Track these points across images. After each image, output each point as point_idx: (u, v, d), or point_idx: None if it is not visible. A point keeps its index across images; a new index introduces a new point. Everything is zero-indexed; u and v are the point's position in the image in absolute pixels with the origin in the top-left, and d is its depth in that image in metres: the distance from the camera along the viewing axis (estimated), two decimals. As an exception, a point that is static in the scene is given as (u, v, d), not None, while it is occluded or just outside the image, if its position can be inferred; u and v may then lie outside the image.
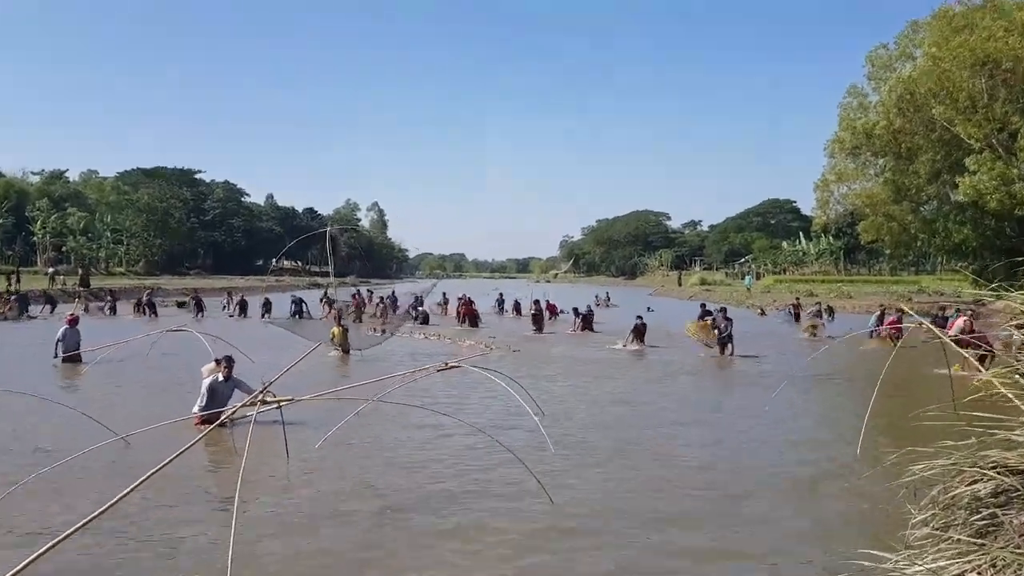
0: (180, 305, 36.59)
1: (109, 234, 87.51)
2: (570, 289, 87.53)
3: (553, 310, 32.85)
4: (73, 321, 16.81)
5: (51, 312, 31.42)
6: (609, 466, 8.38)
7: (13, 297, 31.07)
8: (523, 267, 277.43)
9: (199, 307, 33.27)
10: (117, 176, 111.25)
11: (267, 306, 32.52)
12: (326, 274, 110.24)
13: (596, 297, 47.28)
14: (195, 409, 10.10)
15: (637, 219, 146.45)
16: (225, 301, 36.21)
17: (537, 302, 28.91)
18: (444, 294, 35.39)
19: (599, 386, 14.51)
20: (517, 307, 36.01)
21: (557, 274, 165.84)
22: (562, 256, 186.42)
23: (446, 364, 8.28)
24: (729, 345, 18.89)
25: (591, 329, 26.67)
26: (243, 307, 33.71)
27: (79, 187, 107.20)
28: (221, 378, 10.24)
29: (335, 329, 18.64)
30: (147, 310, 32.11)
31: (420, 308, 29.92)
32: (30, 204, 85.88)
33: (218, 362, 10.51)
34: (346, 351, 18.30)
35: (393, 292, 34.40)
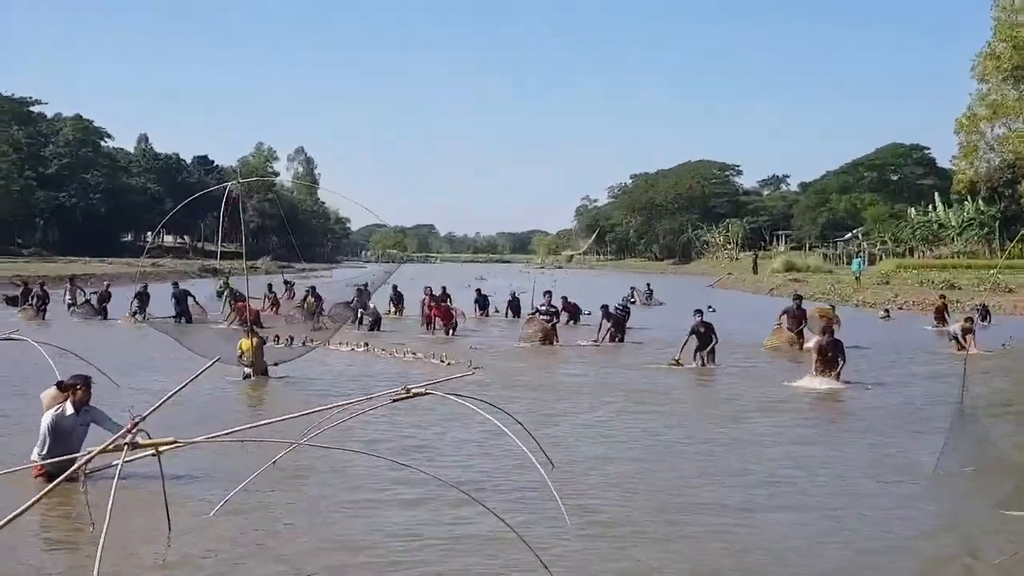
0: (9, 301, 36.47)
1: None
2: (592, 278, 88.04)
3: (572, 310, 32.91)
4: None
5: None
6: (653, 549, 8.30)
7: None
8: (522, 245, 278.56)
9: (42, 304, 33.34)
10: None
11: (142, 301, 32.57)
12: (229, 255, 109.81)
13: (632, 291, 47.38)
14: (33, 455, 10.02)
15: (692, 173, 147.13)
16: (68, 292, 36.17)
17: (548, 295, 28.97)
18: (395, 288, 35.61)
19: (635, 423, 14.51)
20: (513, 306, 36.09)
21: (572, 256, 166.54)
22: (579, 229, 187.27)
23: (406, 390, 8.20)
24: (840, 361, 18.65)
25: (621, 338, 26.80)
26: (103, 301, 33.73)
27: None
28: (70, 410, 10.16)
29: (244, 341, 18.58)
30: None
31: (368, 307, 29.96)
32: None
33: (63, 387, 10.41)
34: (260, 372, 18.29)
35: (312, 288, 34.69)
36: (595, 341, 26.33)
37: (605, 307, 27.51)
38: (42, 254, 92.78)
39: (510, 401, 14.31)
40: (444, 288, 31.90)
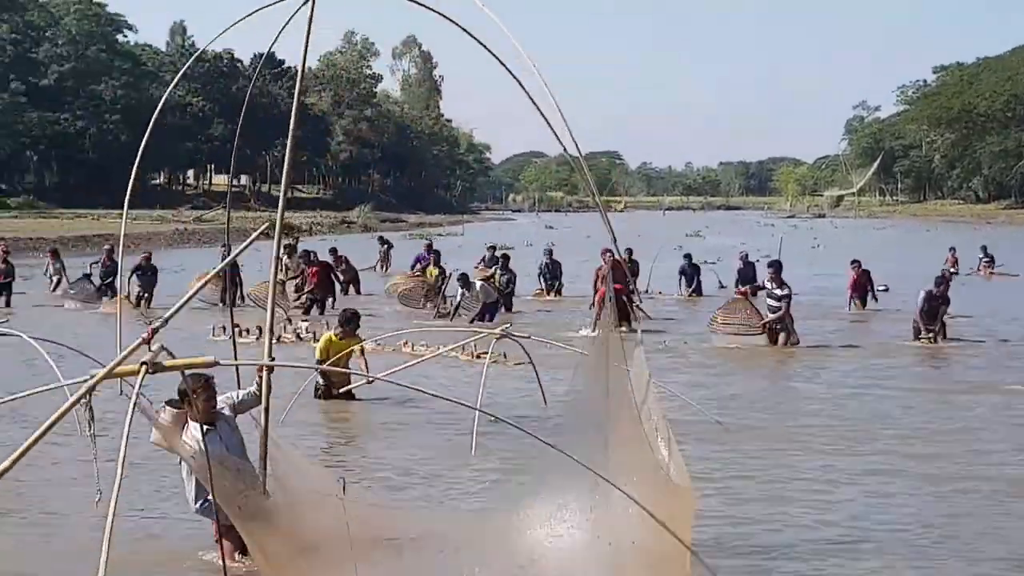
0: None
1: None
2: (876, 232, 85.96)
3: (861, 284, 32.13)
4: None
5: None
6: None
7: None
8: (759, 183, 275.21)
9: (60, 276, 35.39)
10: None
11: (145, 278, 33.77)
12: (302, 202, 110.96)
13: (981, 260, 46.37)
14: (193, 505, 10.38)
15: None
16: (50, 265, 37.79)
17: (774, 268, 28.08)
18: (550, 254, 35.96)
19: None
20: (746, 277, 35.55)
21: (841, 197, 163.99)
22: (851, 156, 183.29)
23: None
24: None
25: (944, 332, 25.81)
26: (109, 275, 34.53)
27: None
28: (197, 432, 10.06)
29: (326, 337, 18.78)
30: None
31: (471, 286, 30.15)
32: None
33: (178, 401, 10.30)
34: (340, 385, 18.57)
35: (431, 248, 35.66)
36: (929, 335, 25.40)
37: (930, 294, 26.01)
38: (35, 205, 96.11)
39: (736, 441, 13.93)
40: (630, 251, 31.67)
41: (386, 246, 47.92)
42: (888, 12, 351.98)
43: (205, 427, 9.82)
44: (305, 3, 9.71)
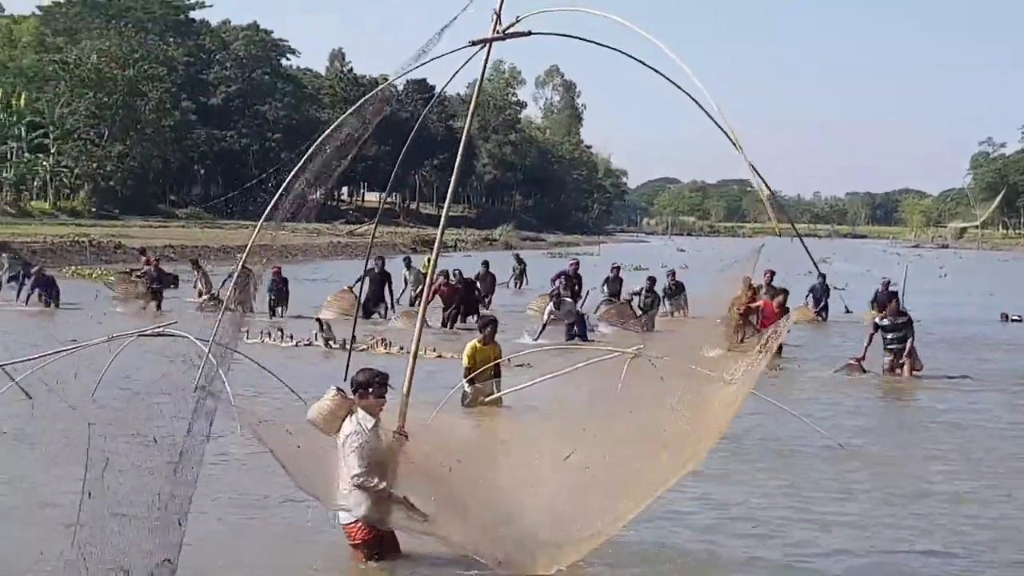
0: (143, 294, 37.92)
1: (23, 131, 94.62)
2: (998, 262, 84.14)
3: None
4: None
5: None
6: None
7: None
8: (884, 213, 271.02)
9: (157, 285, 35.34)
10: (39, 15, 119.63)
11: (279, 295, 33.95)
12: (449, 220, 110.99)
13: None
14: (345, 511, 10.38)
15: None
16: (198, 280, 38.19)
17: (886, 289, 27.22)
18: (673, 274, 35.55)
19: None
20: (882, 304, 34.79)
21: (964, 229, 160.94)
22: (974, 189, 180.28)
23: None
24: None
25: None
26: (280, 290, 34.75)
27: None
28: (371, 421, 10.07)
29: (472, 346, 18.67)
30: (42, 294, 34.30)
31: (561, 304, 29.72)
32: None
33: (356, 392, 10.27)
34: (486, 393, 18.31)
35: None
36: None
37: None
38: (201, 216, 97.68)
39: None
40: (772, 274, 30.98)
41: (522, 265, 47.96)
42: (1015, 52, 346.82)
43: (374, 420, 9.94)
44: (480, 49, 9.80)
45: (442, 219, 11.30)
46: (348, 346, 18.08)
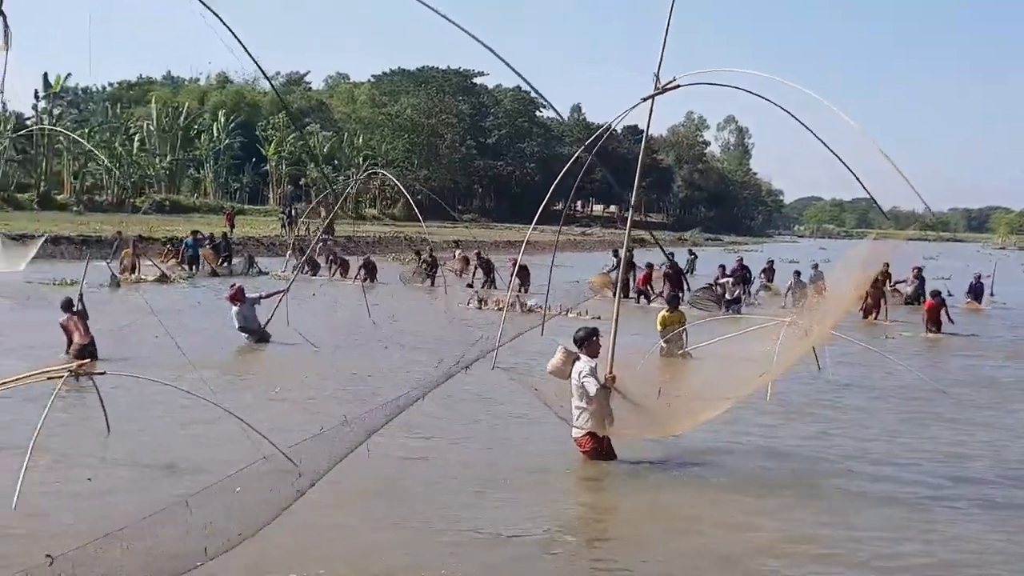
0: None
1: (360, 161, 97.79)
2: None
3: None
4: (234, 297, 19.23)
5: (307, 271, 34.28)
6: None
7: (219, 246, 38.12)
8: (979, 224, 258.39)
9: (431, 270, 35.51)
10: (372, 81, 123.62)
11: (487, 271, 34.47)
12: (651, 225, 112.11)
13: None
14: (579, 423, 10.95)
15: None
16: (457, 267, 37.85)
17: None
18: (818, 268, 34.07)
19: None
20: (976, 293, 33.82)
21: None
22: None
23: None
24: None
25: None
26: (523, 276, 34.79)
27: (323, 96, 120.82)
28: (594, 362, 10.83)
29: (664, 315, 18.83)
30: (367, 275, 34.38)
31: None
32: (262, 120, 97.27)
33: (580, 345, 10.95)
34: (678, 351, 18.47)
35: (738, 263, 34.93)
36: None
37: None
38: (479, 220, 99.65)
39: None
40: (887, 265, 29.59)
41: (693, 256, 45.16)
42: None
43: (595, 362, 10.65)
44: (644, 101, 10.14)
45: (627, 226, 11.85)
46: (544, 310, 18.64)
